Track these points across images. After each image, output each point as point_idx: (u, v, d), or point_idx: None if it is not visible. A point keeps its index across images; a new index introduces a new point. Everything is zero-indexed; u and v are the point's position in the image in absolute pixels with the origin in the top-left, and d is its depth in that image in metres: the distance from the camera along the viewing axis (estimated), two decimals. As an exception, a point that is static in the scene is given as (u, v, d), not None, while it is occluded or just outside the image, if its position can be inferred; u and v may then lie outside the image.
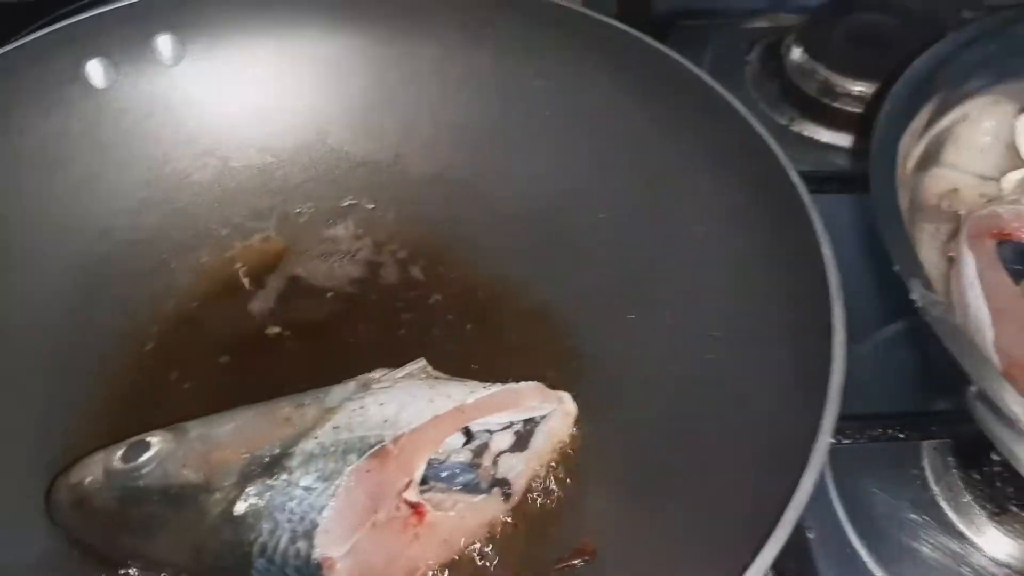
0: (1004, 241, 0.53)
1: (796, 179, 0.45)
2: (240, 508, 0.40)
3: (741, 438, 0.43)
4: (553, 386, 0.47)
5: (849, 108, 0.72)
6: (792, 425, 0.38)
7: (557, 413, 0.46)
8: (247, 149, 0.57)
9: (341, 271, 0.55)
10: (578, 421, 0.47)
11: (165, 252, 0.55)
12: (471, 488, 0.44)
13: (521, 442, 0.45)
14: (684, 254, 0.50)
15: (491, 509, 0.43)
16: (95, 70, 0.53)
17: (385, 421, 0.41)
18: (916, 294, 0.45)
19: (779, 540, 0.34)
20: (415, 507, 0.41)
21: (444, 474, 0.44)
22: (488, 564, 0.43)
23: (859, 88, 0.71)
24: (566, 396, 0.47)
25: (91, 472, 0.43)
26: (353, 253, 0.55)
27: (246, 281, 0.55)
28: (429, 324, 0.53)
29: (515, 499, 0.44)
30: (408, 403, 0.42)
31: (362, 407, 0.42)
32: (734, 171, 0.49)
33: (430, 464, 0.43)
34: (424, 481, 0.43)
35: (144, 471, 0.42)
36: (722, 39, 0.80)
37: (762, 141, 0.47)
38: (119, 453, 0.43)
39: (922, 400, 0.59)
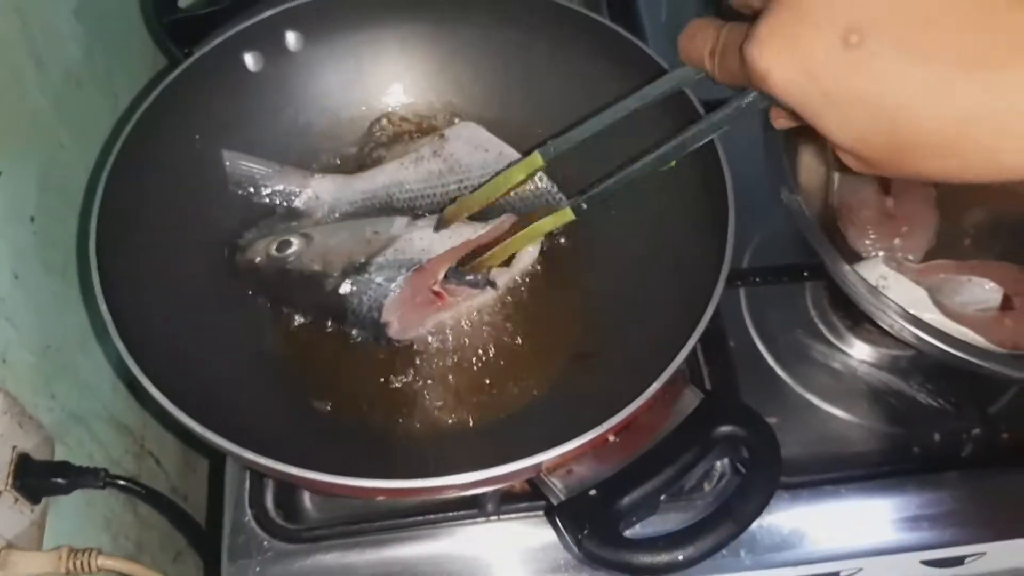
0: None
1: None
2: (344, 289, 0.67)
3: (670, 281, 0.66)
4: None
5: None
6: (703, 276, 0.60)
7: (530, 249, 0.72)
8: (348, 106, 0.81)
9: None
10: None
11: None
12: (472, 284, 0.70)
13: (506, 262, 0.70)
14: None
15: (483, 297, 0.71)
16: (249, 60, 0.76)
17: (423, 249, 0.68)
18: (784, 196, 0.66)
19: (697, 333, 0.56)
20: (437, 294, 0.69)
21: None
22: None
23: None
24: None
25: (258, 254, 0.70)
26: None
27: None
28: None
29: (496, 294, 0.71)
30: (436, 238, 0.68)
31: (410, 239, 0.68)
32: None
33: (449, 269, 0.69)
34: (446, 278, 0.69)
35: (289, 260, 0.69)
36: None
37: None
38: (275, 246, 0.70)
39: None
